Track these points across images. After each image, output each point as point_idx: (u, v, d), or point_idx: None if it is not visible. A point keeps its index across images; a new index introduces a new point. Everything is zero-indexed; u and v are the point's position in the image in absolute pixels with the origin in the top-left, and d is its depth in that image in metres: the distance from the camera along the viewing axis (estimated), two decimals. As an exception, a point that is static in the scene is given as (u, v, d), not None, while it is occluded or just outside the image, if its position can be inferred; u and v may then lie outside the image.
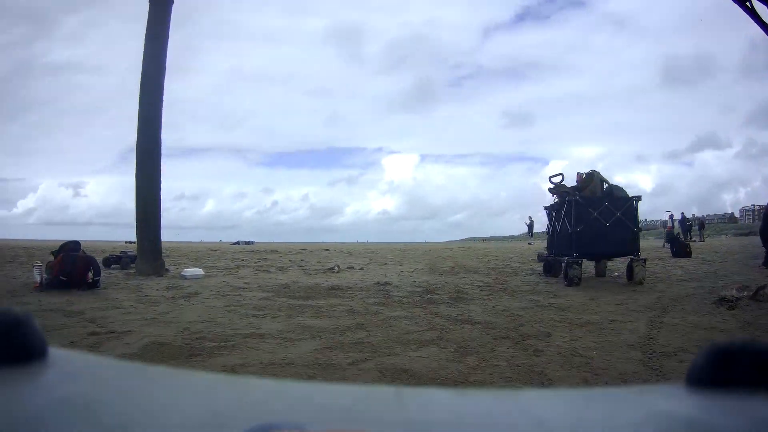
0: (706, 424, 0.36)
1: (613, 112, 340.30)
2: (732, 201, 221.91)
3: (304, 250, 22.34)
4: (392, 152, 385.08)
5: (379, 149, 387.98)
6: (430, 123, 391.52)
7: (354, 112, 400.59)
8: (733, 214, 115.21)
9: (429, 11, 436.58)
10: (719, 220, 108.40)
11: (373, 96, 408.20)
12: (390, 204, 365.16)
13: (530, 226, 32.30)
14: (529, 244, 29.04)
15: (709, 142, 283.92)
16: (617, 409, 0.41)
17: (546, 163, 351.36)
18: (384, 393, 0.44)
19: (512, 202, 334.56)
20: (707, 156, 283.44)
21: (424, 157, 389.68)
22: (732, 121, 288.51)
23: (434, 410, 0.39)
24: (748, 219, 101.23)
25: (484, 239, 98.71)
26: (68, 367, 0.42)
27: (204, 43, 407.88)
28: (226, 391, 0.42)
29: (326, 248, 25.21)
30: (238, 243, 49.64)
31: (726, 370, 0.39)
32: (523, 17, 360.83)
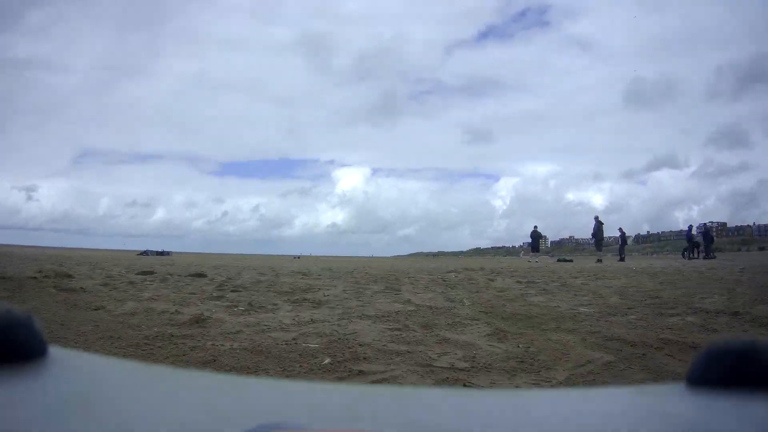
0: (706, 424, 0.36)
1: (571, 131, 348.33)
2: (685, 218, 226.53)
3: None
4: (344, 165, 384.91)
5: (332, 161, 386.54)
6: (387, 137, 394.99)
7: (313, 123, 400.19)
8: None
9: (398, 26, 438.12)
10: (675, 237, 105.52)
11: (334, 107, 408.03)
12: (339, 217, 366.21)
13: (535, 238, 24.07)
14: (534, 261, 20.01)
15: (666, 161, 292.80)
16: (617, 409, 0.41)
17: (497, 179, 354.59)
18: (384, 393, 0.45)
19: (463, 218, 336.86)
20: (662, 175, 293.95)
21: (375, 171, 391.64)
22: (691, 143, 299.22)
23: (434, 410, 0.39)
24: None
25: (434, 254, 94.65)
26: (68, 366, 0.42)
27: (168, 46, 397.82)
28: (226, 391, 0.41)
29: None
30: (146, 253, 37.63)
31: (726, 370, 0.39)
32: (486, 35, 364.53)
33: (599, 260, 20.61)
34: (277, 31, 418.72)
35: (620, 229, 25.77)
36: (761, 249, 56.94)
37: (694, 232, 26.20)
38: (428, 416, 0.37)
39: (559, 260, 22.78)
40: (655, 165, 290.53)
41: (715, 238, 27.74)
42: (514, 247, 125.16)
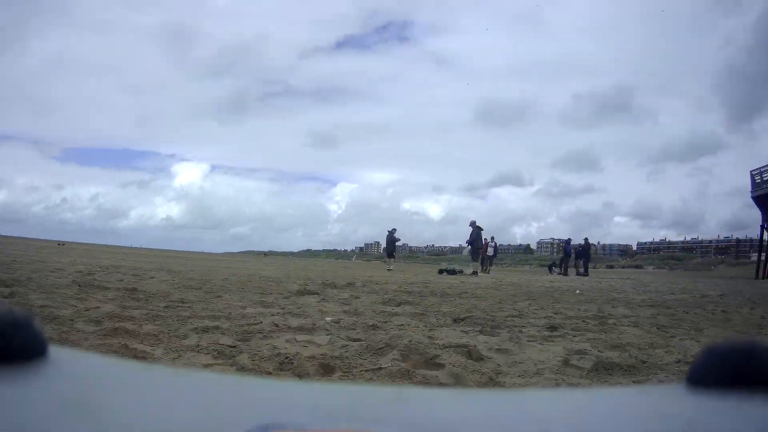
0: (706, 424, 0.36)
1: (417, 143, 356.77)
2: (523, 234, 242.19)
3: None
4: (185, 159, 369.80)
5: (173, 155, 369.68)
6: (232, 135, 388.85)
7: (161, 115, 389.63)
8: (528, 245, 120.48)
9: (261, 25, 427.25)
10: (514, 250, 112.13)
11: (184, 101, 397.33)
12: (174, 211, 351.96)
13: (391, 242, 20.77)
14: (389, 269, 18.45)
15: (510, 179, 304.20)
16: (617, 409, 0.41)
17: (335, 184, 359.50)
18: (384, 393, 0.44)
19: (297, 220, 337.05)
20: (504, 191, 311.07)
21: (215, 168, 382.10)
22: (539, 163, 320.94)
23: (434, 410, 0.39)
24: (546, 251, 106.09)
25: (265, 253, 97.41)
26: (68, 366, 0.42)
27: (30, 23, 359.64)
28: (226, 391, 0.41)
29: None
30: None
31: (726, 370, 0.39)
32: (344, 44, 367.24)
33: (474, 272, 17.17)
34: (142, 18, 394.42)
35: (492, 239, 23.04)
36: (610, 267, 61.12)
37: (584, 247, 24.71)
38: (428, 416, 0.37)
39: (442, 271, 17.88)
40: (499, 181, 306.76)
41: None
42: (345, 251, 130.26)
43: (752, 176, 28.34)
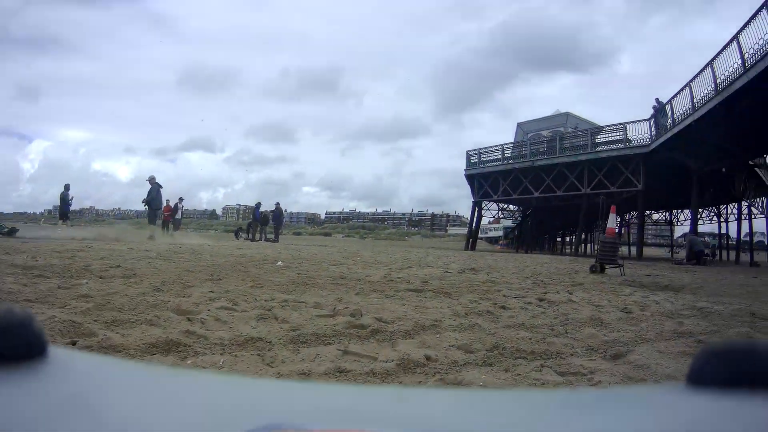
0: (706, 424, 0.36)
1: (117, 102, 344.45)
2: (210, 199, 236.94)
3: None
4: None
5: None
6: None
7: None
8: (214, 210, 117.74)
9: None
10: (200, 215, 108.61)
11: None
12: None
13: (64, 201, 17.59)
14: (60, 230, 16.25)
15: (201, 144, 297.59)
16: (617, 409, 0.41)
17: (31, 140, 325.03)
18: (384, 393, 0.45)
19: None
20: (194, 156, 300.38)
21: None
22: (233, 131, 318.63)
23: (434, 410, 0.39)
24: (231, 217, 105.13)
25: None
26: (68, 366, 0.42)
27: None
28: (226, 391, 0.41)
29: None
30: None
31: (726, 370, 0.39)
32: None
33: (151, 237, 14.77)
34: None
35: (180, 200, 20.66)
36: (297, 234, 64.64)
37: (264, 211, 24.03)
38: (428, 416, 0.37)
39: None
40: (190, 146, 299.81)
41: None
42: (35, 213, 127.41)
43: (468, 156, 31.46)
